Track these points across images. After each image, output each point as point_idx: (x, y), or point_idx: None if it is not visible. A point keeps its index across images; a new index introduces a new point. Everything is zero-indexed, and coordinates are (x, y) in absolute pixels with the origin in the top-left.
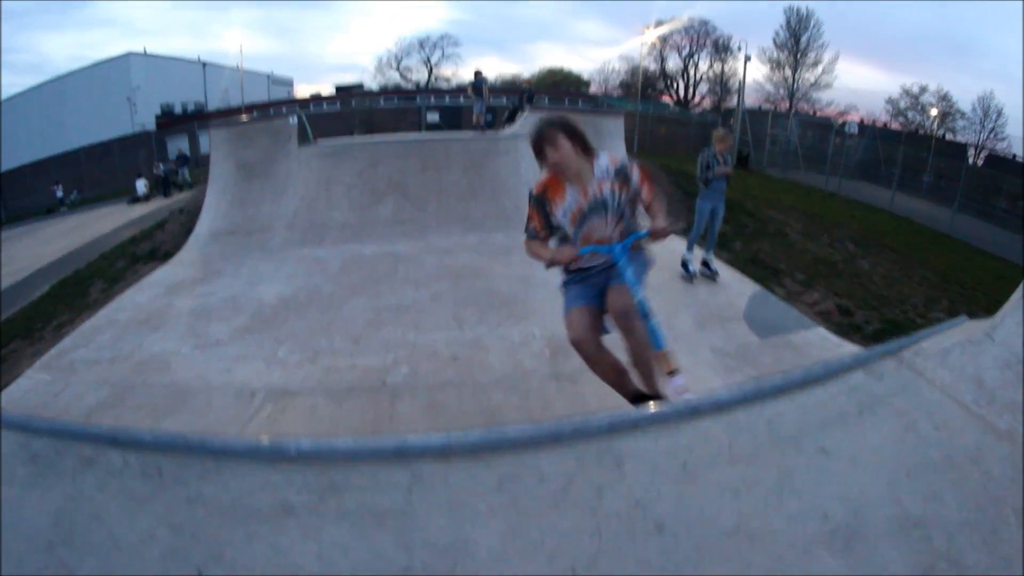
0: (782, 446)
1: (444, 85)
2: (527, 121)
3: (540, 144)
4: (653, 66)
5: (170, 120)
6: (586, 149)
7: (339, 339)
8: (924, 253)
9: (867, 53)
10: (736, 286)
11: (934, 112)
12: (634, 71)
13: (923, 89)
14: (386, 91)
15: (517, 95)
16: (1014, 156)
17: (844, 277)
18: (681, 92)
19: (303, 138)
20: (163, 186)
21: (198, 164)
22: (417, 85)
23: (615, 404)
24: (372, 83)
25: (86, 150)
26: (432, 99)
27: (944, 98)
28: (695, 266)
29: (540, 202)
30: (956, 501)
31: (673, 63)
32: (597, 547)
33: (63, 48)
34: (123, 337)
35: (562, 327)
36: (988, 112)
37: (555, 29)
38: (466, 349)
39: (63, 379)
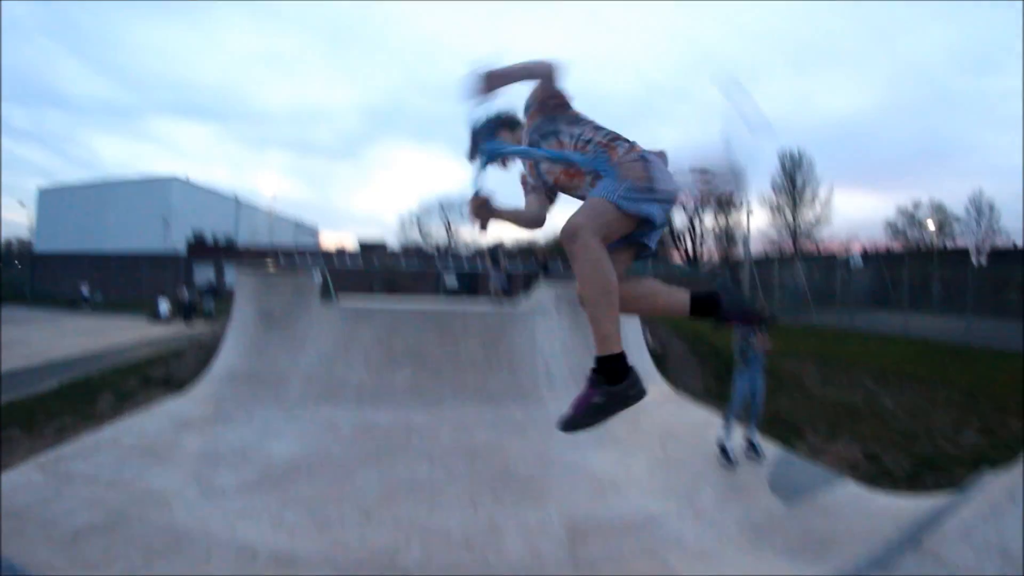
0: None
1: (463, 247)
2: (542, 293)
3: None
4: None
5: (200, 247)
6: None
7: (349, 510)
8: (946, 372)
9: (859, 180)
10: None
11: (931, 225)
12: None
13: (917, 205)
14: (407, 251)
15: (534, 259)
16: (1014, 245)
17: (868, 420)
18: (689, 249)
19: (325, 294)
20: (185, 312)
21: (221, 296)
22: (437, 248)
23: None
24: (394, 239)
25: (117, 257)
26: (451, 263)
27: (938, 208)
28: (733, 447)
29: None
30: None
31: (679, 221)
32: None
33: (114, 153)
34: (125, 462)
35: (580, 510)
36: (981, 210)
37: None
38: (481, 533)
39: (56, 487)
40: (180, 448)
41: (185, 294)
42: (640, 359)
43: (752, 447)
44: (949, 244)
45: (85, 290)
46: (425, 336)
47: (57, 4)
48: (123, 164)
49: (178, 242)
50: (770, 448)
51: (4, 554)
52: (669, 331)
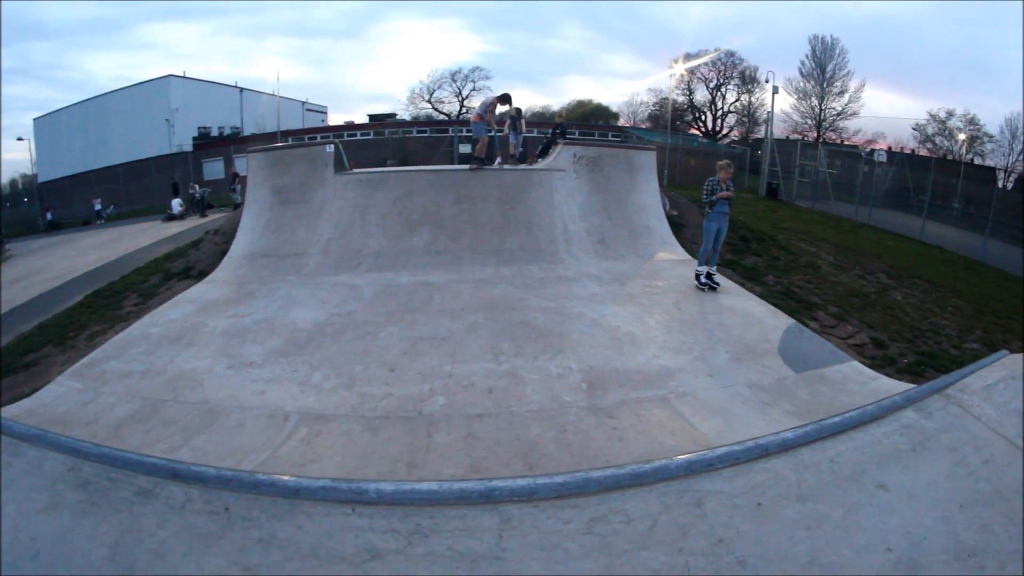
0: (845, 483)
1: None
2: (560, 155)
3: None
4: (681, 98)
5: (207, 142)
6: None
7: (374, 367)
8: (957, 282)
9: (893, 80)
10: (770, 320)
11: (962, 137)
12: (663, 103)
13: (950, 114)
14: (419, 121)
15: (550, 127)
16: None
17: (877, 309)
18: (709, 124)
19: (339, 166)
20: (199, 207)
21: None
22: (449, 116)
23: (651, 437)
24: (405, 114)
25: (125, 166)
26: (464, 130)
27: (971, 122)
28: (704, 277)
29: None
30: (1006, 532)
31: (701, 95)
32: None
33: (107, 68)
34: (155, 352)
35: (598, 361)
36: (1016, 133)
37: (585, 62)
38: (503, 381)
39: (93, 388)
40: (207, 330)
41: (196, 192)
42: (659, 225)
43: (710, 278)
44: (977, 161)
45: (97, 206)
46: (442, 199)
47: None
48: (120, 78)
49: (184, 142)
50: (782, 319)
51: None
52: (688, 200)
